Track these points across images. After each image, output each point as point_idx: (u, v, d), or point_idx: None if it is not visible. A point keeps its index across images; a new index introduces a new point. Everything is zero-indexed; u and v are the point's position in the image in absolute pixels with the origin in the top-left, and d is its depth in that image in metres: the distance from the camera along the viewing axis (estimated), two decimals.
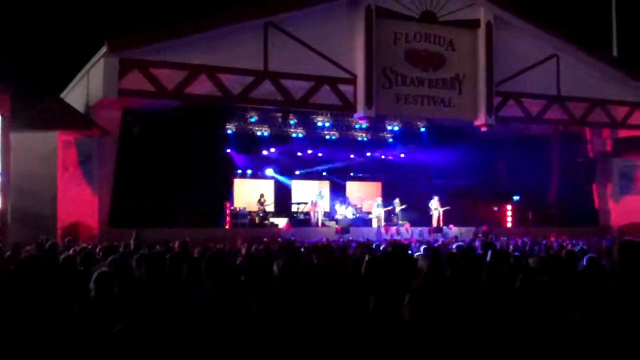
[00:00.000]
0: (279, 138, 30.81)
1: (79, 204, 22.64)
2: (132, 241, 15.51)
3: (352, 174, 34.39)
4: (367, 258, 10.53)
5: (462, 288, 7.75)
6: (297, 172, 33.18)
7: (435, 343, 6.90)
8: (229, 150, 29.99)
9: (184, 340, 6.13)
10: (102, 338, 5.32)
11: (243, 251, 13.80)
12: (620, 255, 5.80)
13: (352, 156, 33.30)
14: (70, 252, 11.19)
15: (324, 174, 33.44)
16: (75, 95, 25.81)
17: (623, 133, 30.77)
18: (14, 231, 20.14)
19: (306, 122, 29.97)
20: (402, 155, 33.34)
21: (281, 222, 28.99)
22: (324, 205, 29.99)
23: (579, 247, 15.52)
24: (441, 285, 7.85)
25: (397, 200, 30.78)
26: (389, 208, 30.64)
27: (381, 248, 15.36)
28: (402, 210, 30.80)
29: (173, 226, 22.90)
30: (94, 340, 5.68)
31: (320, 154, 32.58)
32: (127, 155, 23.99)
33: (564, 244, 19.62)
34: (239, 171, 31.47)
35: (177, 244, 14.10)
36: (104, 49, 22.32)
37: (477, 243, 19.18)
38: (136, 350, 5.34)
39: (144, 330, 5.93)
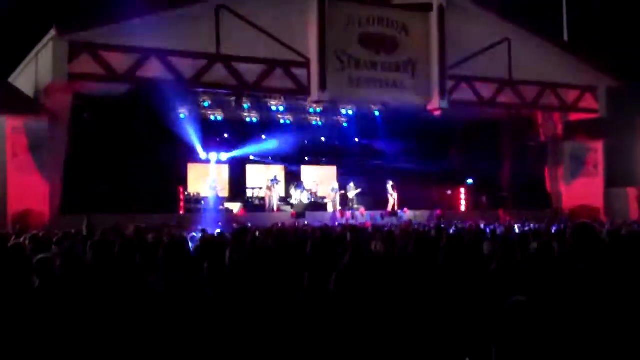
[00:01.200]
0: (233, 122, 30.61)
1: (30, 190, 22.24)
2: (83, 227, 15.29)
3: (307, 158, 34.30)
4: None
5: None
6: (252, 157, 33.00)
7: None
8: (182, 135, 29.67)
9: (140, 326, 6.06)
10: (47, 325, 5.26)
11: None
12: (573, 238, 5.88)
13: (306, 141, 33.22)
14: (21, 239, 10.93)
15: (278, 158, 33.29)
16: (24, 79, 25.41)
17: (574, 116, 31.18)
18: None
19: (260, 106, 29.81)
20: (357, 140, 33.36)
21: (235, 207, 28.82)
22: (279, 190, 29.95)
23: (528, 228, 15.74)
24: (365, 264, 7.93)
25: (351, 185, 30.93)
26: (344, 192, 30.72)
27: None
28: (357, 194, 30.93)
29: (126, 212, 22.63)
30: (37, 328, 5.60)
31: (274, 139, 32.39)
32: (78, 140, 23.62)
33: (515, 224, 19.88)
34: (193, 156, 31.15)
35: (131, 229, 13.94)
36: (52, 32, 21.96)
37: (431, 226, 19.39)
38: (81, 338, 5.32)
39: (91, 320, 5.93)
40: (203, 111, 29.22)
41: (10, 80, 26.15)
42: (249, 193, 31.52)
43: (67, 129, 23.23)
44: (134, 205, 23.85)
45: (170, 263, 6.36)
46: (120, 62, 22.75)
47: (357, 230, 13.96)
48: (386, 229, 16.72)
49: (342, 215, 28.39)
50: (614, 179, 30.86)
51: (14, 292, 6.20)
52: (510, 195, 31.41)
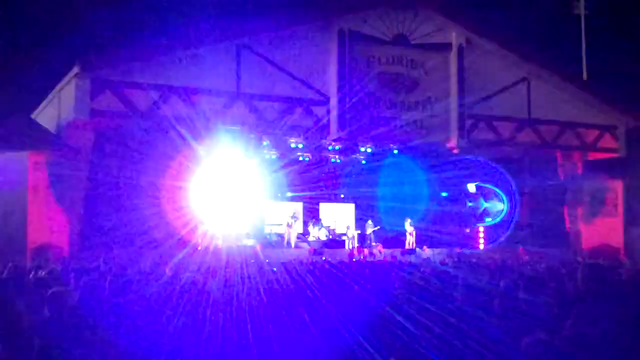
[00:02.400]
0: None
1: (50, 224, 22.44)
2: (101, 262, 15.35)
3: (325, 196, 34.33)
4: None
5: None
6: (270, 194, 33.06)
7: None
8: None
9: None
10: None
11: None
12: (582, 276, 5.88)
13: (325, 178, 33.24)
14: (41, 273, 11.01)
15: (297, 195, 33.36)
16: (47, 115, 25.68)
17: (593, 156, 31.09)
18: None
19: (279, 143, 29.85)
20: (375, 178, 33.35)
21: (254, 244, 28.77)
22: (297, 227, 29.97)
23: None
24: None
25: (369, 222, 30.91)
26: (359, 231, 30.70)
27: None
28: (375, 231, 30.87)
29: (146, 247, 22.67)
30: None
31: (293, 177, 32.49)
32: (99, 175, 23.84)
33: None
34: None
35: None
36: (75, 69, 22.26)
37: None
38: None
39: None
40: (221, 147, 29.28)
41: (33, 116, 26.43)
42: (266, 229, 31.54)
43: (88, 164, 23.47)
44: (153, 242, 23.88)
45: None
46: (141, 99, 23.00)
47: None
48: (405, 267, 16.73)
49: (360, 252, 28.30)
50: (634, 219, 30.65)
51: (28, 323, 6.22)
52: (530, 233, 31.26)
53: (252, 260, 21.03)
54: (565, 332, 5.76)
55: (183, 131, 25.50)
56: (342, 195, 34.63)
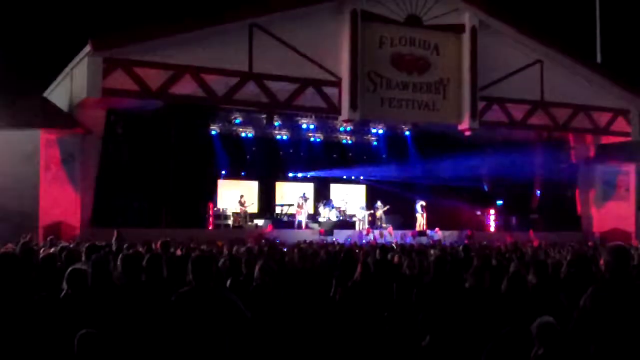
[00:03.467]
0: (263, 140, 30.84)
1: (62, 203, 22.63)
2: (113, 241, 15.45)
3: (336, 176, 34.39)
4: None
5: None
6: (281, 174, 33.19)
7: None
8: (213, 151, 29.89)
9: (168, 341, 6.06)
10: (69, 337, 5.31)
11: (225, 252, 13.75)
12: (612, 259, 5.79)
13: (336, 159, 33.28)
14: (52, 250, 11.07)
15: (308, 176, 33.43)
16: (59, 94, 25.73)
17: (606, 139, 30.94)
18: None
19: (291, 124, 29.97)
20: (386, 159, 33.34)
21: (264, 223, 28.96)
22: (307, 208, 30.01)
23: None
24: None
25: (379, 203, 30.85)
26: (372, 211, 30.70)
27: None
28: (385, 213, 30.83)
29: (155, 226, 22.82)
30: (63, 340, 5.64)
31: (304, 157, 32.55)
32: (110, 154, 24.00)
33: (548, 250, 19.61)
34: (223, 172, 31.34)
35: (158, 244, 13.97)
36: (87, 48, 22.25)
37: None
38: (101, 355, 5.33)
39: (113, 333, 5.94)
40: (234, 128, 29.46)
41: (45, 94, 26.54)
42: (277, 209, 31.66)
43: (99, 142, 23.59)
44: (164, 220, 24.04)
45: (201, 279, 6.30)
46: (153, 78, 22.98)
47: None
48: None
49: (369, 233, 28.32)
50: None
51: (43, 301, 6.25)
52: (541, 217, 31.19)
53: (263, 240, 21.20)
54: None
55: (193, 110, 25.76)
56: (352, 177, 34.61)
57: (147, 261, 7.37)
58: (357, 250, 15.10)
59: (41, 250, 11.29)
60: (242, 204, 29.29)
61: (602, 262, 5.95)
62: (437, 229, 29.19)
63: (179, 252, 12.66)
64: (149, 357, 6.21)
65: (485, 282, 8.07)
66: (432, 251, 15.26)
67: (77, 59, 23.60)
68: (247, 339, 6.43)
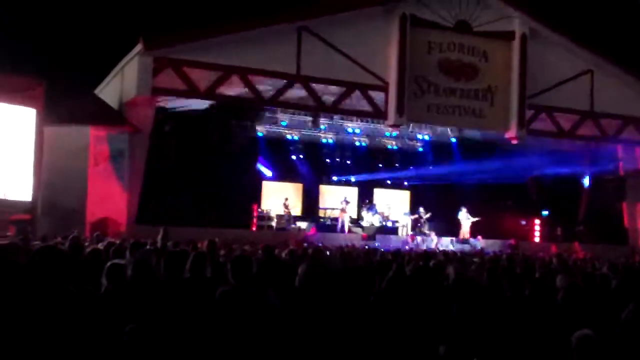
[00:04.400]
0: (309, 142, 30.91)
1: (109, 199, 22.86)
2: (159, 238, 15.53)
3: (380, 181, 34.36)
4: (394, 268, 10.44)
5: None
6: (325, 178, 33.26)
7: None
8: (258, 153, 30.12)
9: (210, 339, 6.20)
10: (111, 333, 5.37)
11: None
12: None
13: (380, 164, 33.35)
14: (98, 246, 11.17)
15: (353, 180, 33.48)
16: (109, 91, 26.10)
17: None
18: (44, 224, 20.24)
19: (336, 127, 30.06)
20: (431, 167, 33.27)
21: (307, 226, 29.04)
22: (351, 212, 30.01)
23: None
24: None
25: (422, 209, 30.74)
26: (415, 217, 30.59)
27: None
28: (429, 220, 30.70)
29: (200, 225, 22.95)
30: (101, 334, 5.71)
31: (349, 161, 32.63)
32: (158, 152, 24.24)
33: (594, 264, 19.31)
34: (269, 174, 31.50)
35: (204, 243, 14.04)
36: (138, 47, 22.52)
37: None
38: (147, 350, 5.40)
39: (157, 328, 6.04)
40: (280, 130, 29.62)
41: (96, 91, 26.95)
42: (321, 213, 31.74)
43: (147, 140, 23.79)
44: (208, 220, 24.18)
45: (237, 277, 6.45)
46: (202, 78, 23.17)
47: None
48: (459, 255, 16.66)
49: (413, 239, 28.22)
50: None
51: (87, 296, 6.31)
52: (586, 228, 30.81)
53: (305, 244, 21.23)
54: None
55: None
56: (396, 182, 34.50)
57: (192, 260, 7.38)
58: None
59: (88, 246, 11.36)
60: (286, 206, 29.40)
61: None
62: (479, 237, 28.99)
63: (222, 252, 12.70)
64: (187, 355, 6.27)
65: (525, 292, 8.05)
66: (474, 259, 15.18)
67: (128, 57, 23.90)
68: (284, 338, 6.50)
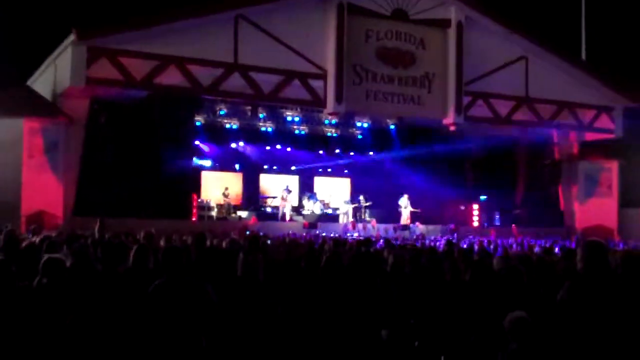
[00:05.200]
0: (248, 131, 30.84)
1: (44, 191, 22.51)
2: (95, 230, 15.34)
3: (320, 169, 34.50)
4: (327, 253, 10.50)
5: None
6: (265, 166, 33.23)
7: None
8: (197, 142, 29.96)
9: (144, 330, 6.23)
10: (50, 325, 5.34)
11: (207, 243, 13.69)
12: (583, 253, 5.91)
13: (321, 152, 33.46)
14: (34, 240, 11.02)
15: (293, 168, 33.54)
16: (43, 82, 25.62)
17: (589, 136, 31.09)
18: None
19: (275, 116, 30.05)
20: (371, 153, 33.51)
21: (248, 215, 28.98)
22: (292, 200, 30.08)
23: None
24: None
25: (362, 197, 30.97)
26: (356, 205, 30.78)
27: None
28: (369, 207, 30.94)
29: (139, 217, 22.71)
30: (41, 327, 5.68)
31: (289, 148, 32.68)
32: (93, 144, 23.89)
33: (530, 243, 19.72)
34: (207, 164, 31.38)
35: (142, 234, 13.91)
36: (72, 37, 22.08)
37: (441, 241, 19.43)
38: (88, 340, 5.37)
39: (95, 319, 6.09)
40: (219, 119, 29.51)
41: (29, 83, 26.46)
42: (261, 202, 31.73)
43: (83, 131, 23.45)
44: (147, 211, 23.96)
45: (169, 269, 6.47)
46: (138, 68, 22.85)
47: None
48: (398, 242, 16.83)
49: (354, 226, 28.40)
50: (629, 200, 30.82)
51: (22, 290, 6.33)
52: (524, 212, 31.38)
53: (247, 232, 21.05)
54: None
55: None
56: (336, 170, 34.74)
57: (134, 251, 7.47)
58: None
59: (23, 240, 11.19)
60: (226, 195, 29.33)
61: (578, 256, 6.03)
62: (417, 222, 29.30)
63: (162, 243, 12.58)
64: (124, 346, 6.30)
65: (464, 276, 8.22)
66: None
67: (61, 48, 23.42)
68: (217, 325, 6.57)
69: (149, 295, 6.30)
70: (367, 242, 14.52)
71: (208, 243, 13.52)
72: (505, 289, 7.26)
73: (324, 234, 23.70)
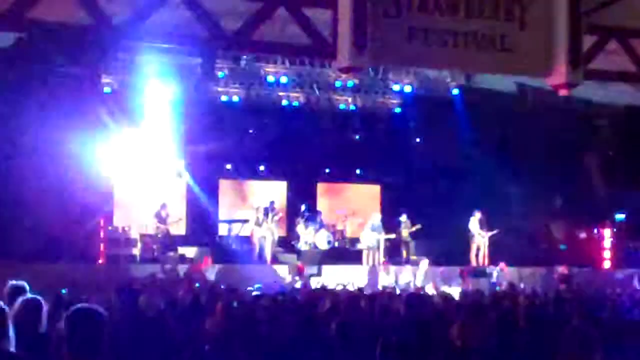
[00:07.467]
0: (200, 103, 30.32)
1: None
2: None
3: (327, 170, 33.92)
4: None
5: None
6: (229, 166, 32.71)
7: None
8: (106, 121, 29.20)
9: None
10: None
11: None
12: None
13: (326, 141, 32.83)
14: None
15: (279, 170, 33.21)
16: None
17: None
18: None
19: (248, 76, 29.54)
20: (418, 140, 32.98)
21: (198, 254, 28.53)
22: (274, 228, 29.47)
23: None
24: None
25: (403, 218, 30.45)
26: (392, 236, 30.33)
27: None
28: (413, 234, 30.47)
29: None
30: None
31: (271, 135, 32.15)
32: None
33: None
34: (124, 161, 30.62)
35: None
36: None
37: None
38: None
39: None
40: (144, 81, 28.79)
41: None
42: (221, 229, 31.29)
43: None
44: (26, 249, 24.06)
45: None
46: None
47: None
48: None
49: (387, 271, 28.12)
50: None
51: None
52: None
53: (197, 284, 21.57)
54: None
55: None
56: (357, 171, 34.33)
57: None
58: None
59: None
60: (161, 218, 28.62)
61: None
62: (502, 263, 28.75)
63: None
64: None
65: None
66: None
67: None
68: None
69: None
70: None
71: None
72: None
73: (335, 287, 22.82)
